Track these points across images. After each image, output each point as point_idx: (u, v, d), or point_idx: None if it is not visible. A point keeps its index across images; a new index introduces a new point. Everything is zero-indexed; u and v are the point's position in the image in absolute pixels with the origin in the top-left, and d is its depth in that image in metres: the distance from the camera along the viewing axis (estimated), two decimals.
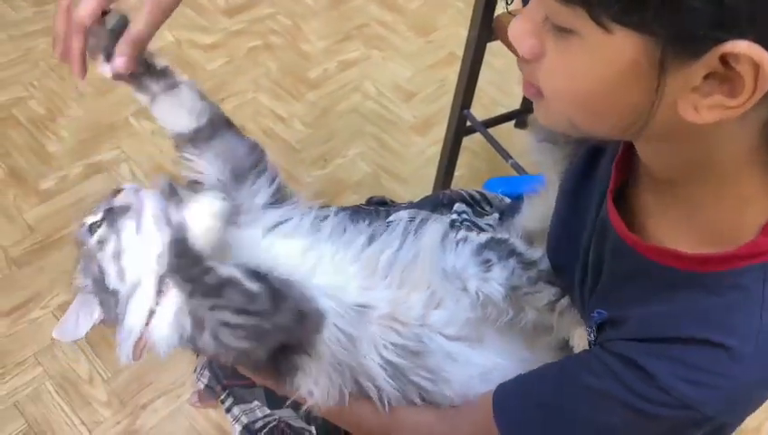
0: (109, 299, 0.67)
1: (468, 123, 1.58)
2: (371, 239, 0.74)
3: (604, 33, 0.42)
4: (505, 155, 1.54)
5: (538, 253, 0.76)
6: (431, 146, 1.90)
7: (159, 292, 0.66)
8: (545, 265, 0.75)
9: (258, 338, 0.62)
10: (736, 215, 0.51)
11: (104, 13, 0.66)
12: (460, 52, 1.46)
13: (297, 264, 0.69)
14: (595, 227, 0.65)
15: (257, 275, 0.63)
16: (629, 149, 0.60)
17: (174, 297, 0.64)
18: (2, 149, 1.79)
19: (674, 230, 0.56)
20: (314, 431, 0.85)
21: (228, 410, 0.92)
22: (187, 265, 0.60)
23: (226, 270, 0.61)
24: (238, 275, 0.62)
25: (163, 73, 0.71)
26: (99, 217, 0.68)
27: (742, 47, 0.39)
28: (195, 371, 1.02)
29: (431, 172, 1.75)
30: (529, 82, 0.51)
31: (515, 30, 0.49)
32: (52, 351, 1.41)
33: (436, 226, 0.77)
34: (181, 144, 0.74)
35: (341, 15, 2.34)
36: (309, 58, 2.16)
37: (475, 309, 0.72)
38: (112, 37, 0.66)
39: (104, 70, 0.68)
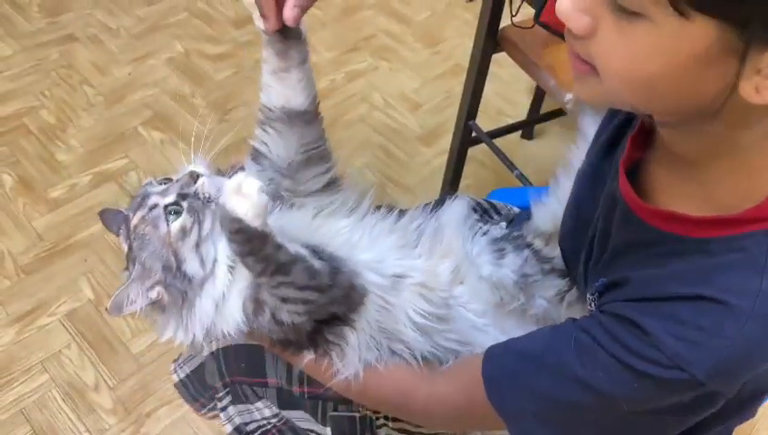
0: (180, 284, 0.67)
1: (474, 134, 1.59)
2: (401, 214, 0.78)
3: (681, 19, 0.42)
4: (511, 166, 1.54)
5: (555, 251, 0.79)
6: (437, 156, 1.90)
7: (231, 277, 0.68)
8: (560, 262, 0.78)
9: (312, 312, 0.66)
10: (747, 185, 0.52)
11: None
12: (467, 63, 1.46)
13: (343, 241, 0.72)
14: (605, 201, 0.66)
15: (317, 252, 0.66)
16: (646, 125, 0.61)
17: (244, 281, 0.67)
18: (13, 157, 1.81)
19: (686, 202, 0.56)
20: (329, 433, 0.85)
21: (223, 409, 0.92)
22: (258, 246, 0.61)
23: (294, 247, 0.64)
24: (305, 252, 0.65)
25: (305, 44, 0.73)
26: (172, 199, 0.68)
27: None
28: (174, 361, 1.01)
29: (437, 182, 1.76)
30: (579, 59, 0.51)
31: (566, 5, 0.48)
32: (58, 358, 1.42)
33: (458, 202, 0.82)
34: (274, 119, 0.77)
35: (349, 27, 2.36)
36: (317, 69, 2.17)
37: (494, 293, 0.75)
38: None
39: (259, 25, 0.71)
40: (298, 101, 0.76)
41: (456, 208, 0.81)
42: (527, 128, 1.94)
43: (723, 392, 0.52)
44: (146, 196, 0.69)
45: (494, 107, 2.05)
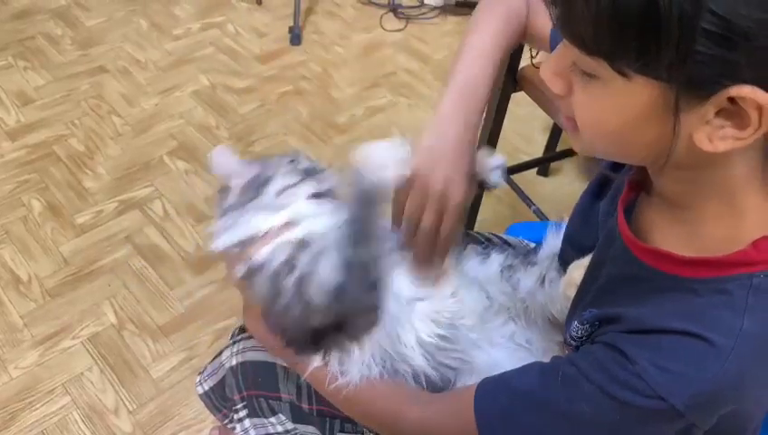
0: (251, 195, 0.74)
1: None
2: None
3: (624, 79, 0.48)
4: (528, 202, 1.57)
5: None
6: None
7: (289, 222, 0.73)
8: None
9: (329, 309, 0.69)
10: (733, 228, 0.55)
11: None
12: None
13: None
14: (604, 237, 0.71)
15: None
16: (642, 168, 0.65)
17: (292, 230, 0.72)
18: (42, 184, 1.87)
19: (676, 242, 0.59)
20: None
21: (240, 421, 0.95)
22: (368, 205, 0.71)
23: (379, 251, 0.72)
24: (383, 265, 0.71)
25: None
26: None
27: (746, 91, 0.45)
28: (200, 373, 1.04)
29: None
30: (567, 117, 0.58)
31: (545, 72, 0.56)
32: (80, 381, 1.45)
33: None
34: None
35: (370, 64, 2.42)
36: (338, 104, 2.23)
37: (481, 293, 0.82)
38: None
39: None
40: None
41: None
42: (543, 165, 1.97)
43: (699, 426, 0.54)
44: None
45: (511, 144, 2.09)
